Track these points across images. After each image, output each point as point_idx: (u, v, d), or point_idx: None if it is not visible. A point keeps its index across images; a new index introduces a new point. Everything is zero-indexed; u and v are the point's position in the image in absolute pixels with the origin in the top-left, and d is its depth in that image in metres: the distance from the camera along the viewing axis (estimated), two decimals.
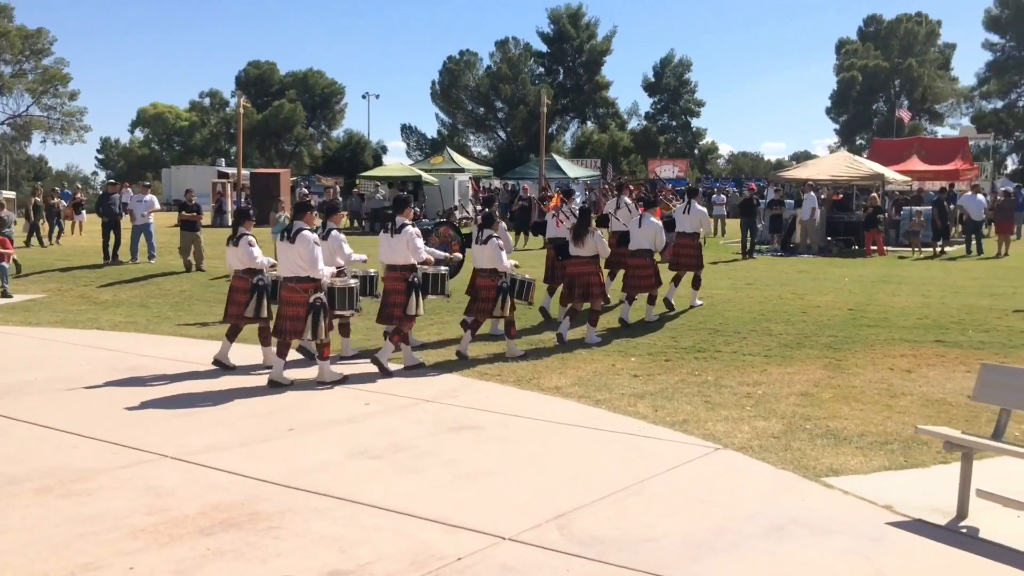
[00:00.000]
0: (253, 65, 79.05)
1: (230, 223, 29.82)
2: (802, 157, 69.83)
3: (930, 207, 23.38)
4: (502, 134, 73.76)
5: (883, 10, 73.28)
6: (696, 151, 73.53)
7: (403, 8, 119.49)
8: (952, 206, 23.51)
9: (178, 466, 6.45)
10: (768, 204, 24.23)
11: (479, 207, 21.13)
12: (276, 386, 8.92)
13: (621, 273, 12.72)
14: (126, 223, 20.00)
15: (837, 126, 72.78)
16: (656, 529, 5.25)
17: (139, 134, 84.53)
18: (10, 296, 15.34)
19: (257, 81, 77.22)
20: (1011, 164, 66.83)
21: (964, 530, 5.32)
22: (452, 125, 74.29)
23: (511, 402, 8.38)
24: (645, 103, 75.72)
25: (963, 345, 10.23)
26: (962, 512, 5.49)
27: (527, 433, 7.37)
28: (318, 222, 9.81)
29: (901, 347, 10.21)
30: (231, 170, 41.60)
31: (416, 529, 5.25)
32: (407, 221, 9.66)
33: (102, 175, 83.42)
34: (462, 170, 34.93)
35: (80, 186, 44.01)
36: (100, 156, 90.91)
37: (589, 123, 73.48)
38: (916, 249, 21.80)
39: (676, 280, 13.00)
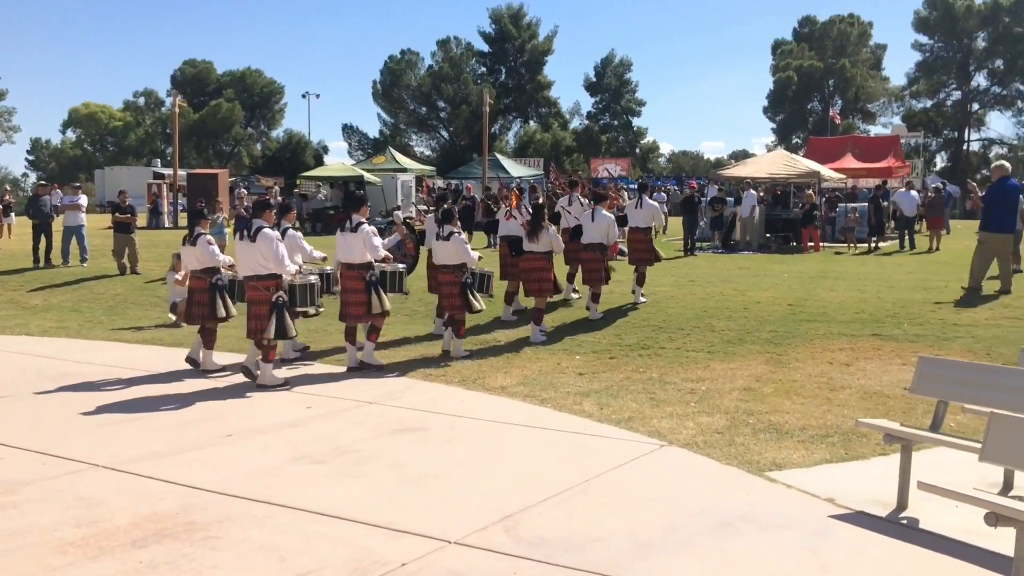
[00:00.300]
0: (189, 64, 77.49)
1: (167, 225, 29.26)
2: (741, 156, 70.91)
3: (865, 204, 23.93)
4: (445, 134, 73.49)
5: (817, 11, 74.83)
6: (638, 150, 74.19)
7: (343, 7, 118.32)
8: (886, 203, 24.07)
9: (111, 476, 6.23)
10: (710, 202, 24.56)
11: (431, 207, 21.09)
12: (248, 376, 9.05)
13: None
14: (57, 225, 19.40)
15: (774, 125, 74.00)
16: (603, 528, 5.21)
17: (71, 134, 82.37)
18: None
19: (193, 80, 75.62)
20: (940, 162, 68.70)
21: (904, 521, 5.40)
22: (394, 125, 73.72)
23: (456, 403, 8.29)
24: (587, 103, 76.35)
25: (899, 338, 10.44)
26: (902, 503, 5.57)
27: (473, 434, 7.29)
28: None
29: (839, 341, 10.38)
30: (167, 171, 40.69)
31: (359, 535, 5.13)
32: (363, 220, 9.74)
33: (33, 177, 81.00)
34: (405, 170, 34.65)
35: (9, 188, 42.58)
36: (30, 157, 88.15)
37: (531, 123, 73.56)
38: (852, 245, 22.28)
39: (639, 278, 13.13)
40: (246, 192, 32.48)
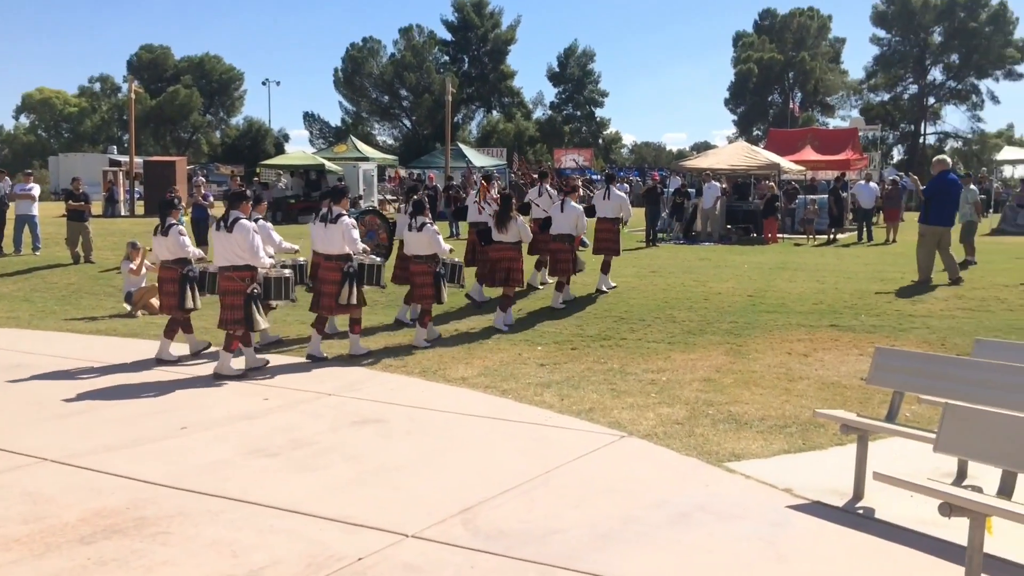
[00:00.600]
0: (146, 49, 76.09)
1: (123, 213, 28.67)
2: (702, 147, 71.26)
3: (825, 196, 24.20)
4: (407, 123, 72.97)
5: (778, 4, 75.32)
6: (600, 140, 74.29)
7: None
8: (845, 194, 24.35)
9: (59, 470, 6.07)
10: (673, 193, 24.67)
11: (401, 197, 20.98)
12: (220, 378, 8.85)
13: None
14: (9, 214, 18.90)
15: (735, 117, 74.56)
16: (563, 520, 5.19)
17: (24, 120, 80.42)
18: None
19: (150, 66, 74.27)
20: (897, 154, 69.72)
21: (861, 511, 5.44)
22: (356, 113, 73.05)
23: (416, 394, 8.22)
24: (550, 93, 76.18)
25: (856, 329, 10.55)
26: (858, 493, 5.62)
27: (433, 426, 7.23)
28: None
29: (798, 332, 10.46)
30: (123, 158, 39.88)
31: (315, 530, 5.05)
32: (343, 211, 9.70)
33: None
34: (366, 159, 34.35)
35: None
36: None
37: (495, 112, 73.35)
38: (811, 236, 22.52)
39: (604, 267, 13.23)
40: (204, 180, 31.93)
